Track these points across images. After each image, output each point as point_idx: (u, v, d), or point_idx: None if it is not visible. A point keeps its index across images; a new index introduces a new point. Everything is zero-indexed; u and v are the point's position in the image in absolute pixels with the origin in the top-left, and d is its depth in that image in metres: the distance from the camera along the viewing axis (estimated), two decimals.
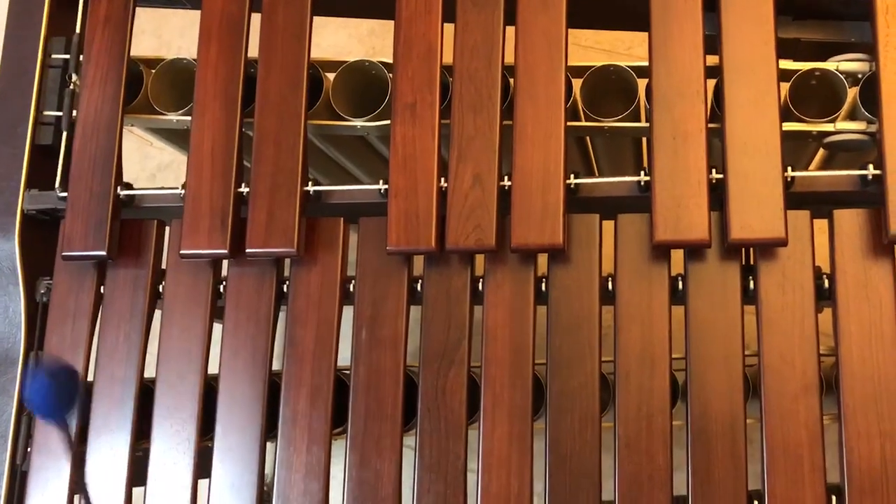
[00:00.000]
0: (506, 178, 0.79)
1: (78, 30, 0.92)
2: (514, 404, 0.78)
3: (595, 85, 0.85)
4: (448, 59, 0.82)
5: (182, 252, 0.84)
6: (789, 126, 0.78)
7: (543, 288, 0.80)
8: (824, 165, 0.95)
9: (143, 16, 1.76)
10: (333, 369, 0.82)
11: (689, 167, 0.74)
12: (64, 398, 0.60)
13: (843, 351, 0.72)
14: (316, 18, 0.86)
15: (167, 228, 0.89)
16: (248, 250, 0.82)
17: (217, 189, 0.84)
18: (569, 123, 0.80)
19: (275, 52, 0.86)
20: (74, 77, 0.91)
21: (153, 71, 0.93)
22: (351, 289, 0.83)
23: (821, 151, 0.95)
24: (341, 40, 1.65)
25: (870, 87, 0.74)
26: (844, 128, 0.77)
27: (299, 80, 0.85)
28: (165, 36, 1.77)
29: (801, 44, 0.83)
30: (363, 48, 1.65)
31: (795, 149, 0.88)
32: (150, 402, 0.84)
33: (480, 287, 0.81)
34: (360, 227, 0.84)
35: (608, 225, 0.80)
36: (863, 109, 0.76)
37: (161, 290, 0.87)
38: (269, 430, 0.83)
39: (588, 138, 0.97)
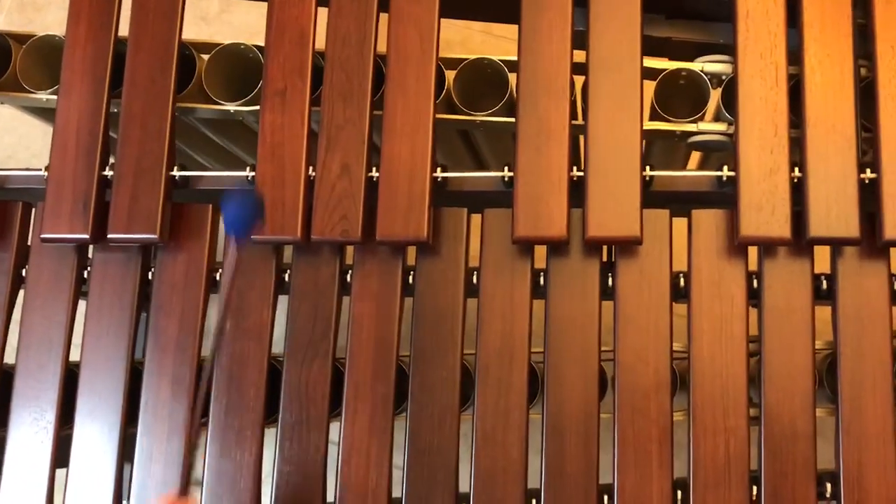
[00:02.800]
0: (374, 168, 0.78)
1: None
2: (376, 396, 0.77)
3: (472, 78, 0.84)
4: (322, 44, 0.81)
5: (43, 236, 0.81)
6: (653, 125, 0.79)
7: (412, 280, 0.80)
8: (701, 165, 0.97)
9: None
10: (197, 359, 0.80)
11: (552, 164, 0.74)
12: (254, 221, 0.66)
13: (694, 349, 0.74)
14: None
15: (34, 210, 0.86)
16: (109, 235, 0.80)
17: (81, 172, 0.81)
18: (438, 116, 0.80)
19: (145, 32, 0.83)
20: None
21: (23, 47, 0.90)
22: (217, 277, 0.82)
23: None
24: (253, 19, 1.61)
25: (730, 89, 0.75)
26: (706, 129, 0.78)
27: (169, 61, 0.82)
28: None
29: (676, 43, 0.84)
30: None
31: (669, 148, 0.89)
32: (8, 390, 0.82)
33: (349, 278, 0.80)
34: None
35: (479, 219, 0.80)
36: (724, 111, 0.77)
37: (24, 274, 0.84)
38: (133, 420, 0.81)
39: (471, 132, 0.97)
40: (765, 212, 0.71)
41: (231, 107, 0.86)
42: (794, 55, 0.74)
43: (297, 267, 0.81)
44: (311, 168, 0.78)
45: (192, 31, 1.65)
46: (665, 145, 0.88)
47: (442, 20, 0.80)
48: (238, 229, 0.65)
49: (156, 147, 0.81)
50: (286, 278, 0.81)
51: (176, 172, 0.81)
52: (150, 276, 0.83)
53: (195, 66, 0.88)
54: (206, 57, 0.87)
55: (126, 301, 0.82)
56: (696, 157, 0.97)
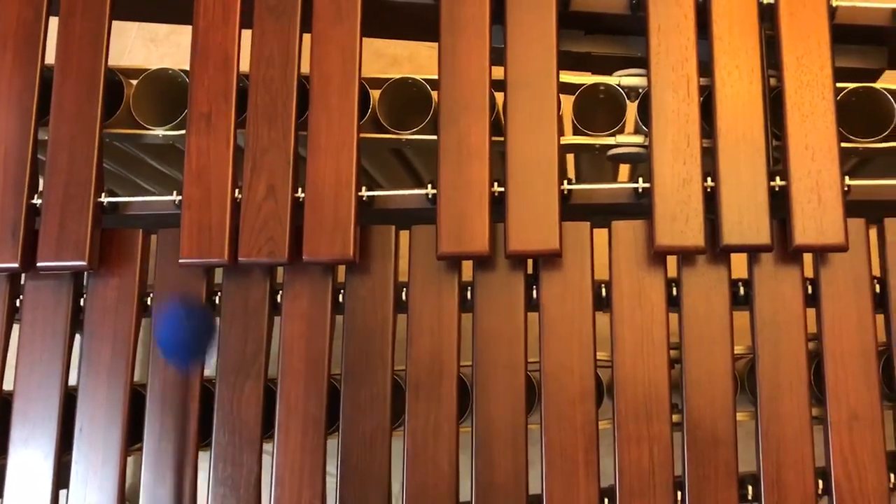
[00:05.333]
0: (301, 189, 0.79)
1: None
2: (307, 416, 0.78)
3: (397, 97, 0.85)
4: (247, 67, 0.82)
5: None
6: (572, 139, 0.80)
7: (342, 298, 0.80)
8: (632, 177, 0.98)
9: None
10: (129, 384, 0.80)
11: (473, 181, 0.76)
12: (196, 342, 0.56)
13: (617, 357, 0.75)
14: None
15: None
16: (39, 263, 0.80)
17: (8, 200, 0.81)
18: (363, 135, 0.80)
19: (71, 59, 0.84)
20: None
21: None
22: (149, 302, 0.82)
23: None
24: None
25: (645, 102, 0.77)
26: (624, 141, 0.79)
27: (96, 88, 0.83)
28: None
29: (599, 57, 0.85)
30: None
31: (596, 161, 0.90)
32: None
33: (280, 298, 0.81)
34: (158, 238, 0.83)
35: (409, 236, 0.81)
36: (641, 124, 0.79)
37: None
38: (68, 446, 0.81)
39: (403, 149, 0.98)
40: (679, 221, 0.73)
41: (159, 131, 0.86)
42: (706, 67, 0.76)
43: (226, 289, 0.81)
44: (237, 190, 0.79)
45: (142, 53, 1.68)
46: (593, 159, 0.90)
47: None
48: (178, 352, 0.55)
49: (83, 174, 0.81)
50: (217, 301, 0.82)
51: (104, 198, 0.81)
52: (82, 303, 0.83)
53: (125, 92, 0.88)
54: (134, 82, 0.88)
55: (59, 328, 0.82)
56: (626, 169, 0.99)
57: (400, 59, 1.59)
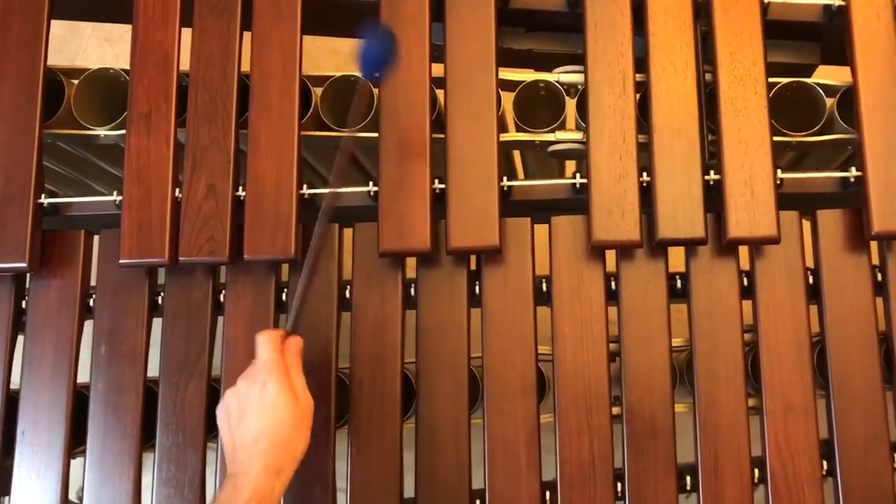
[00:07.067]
0: (242, 188, 0.79)
1: None
2: None
3: (340, 95, 0.85)
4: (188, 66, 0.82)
5: None
6: (512, 136, 0.81)
7: (285, 297, 0.80)
8: None
9: None
10: (73, 386, 0.80)
11: (413, 178, 0.76)
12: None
13: (557, 351, 0.75)
14: None
15: None
16: None
17: None
18: (305, 133, 0.80)
19: (9, 60, 0.83)
20: None
21: None
22: (91, 303, 0.81)
23: None
24: None
25: (583, 99, 0.77)
26: (563, 138, 0.80)
27: (34, 89, 0.82)
28: None
29: (541, 54, 0.86)
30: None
31: (542, 157, 0.90)
32: None
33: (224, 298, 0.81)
34: (100, 239, 0.82)
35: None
36: (580, 120, 0.80)
37: None
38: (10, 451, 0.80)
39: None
40: (615, 216, 0.73)
41: (101, 131, 0.85)
42: (642, 63, 0.77)
43: (169, 289, 0.81)
44: (178, 190, 0.79)
45: (97, 52, 1.66)
46: (539, 155, 0.90)
47: None
48: (373, 69, 0.67)
49: (23, 175, 0.80)
50: (160, 301, 0.81)
51: (44, 200, 0.81)
52: (24, 305, 0.82)
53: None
54: (76, 82, 0.87)
55: (0, 330, 0.81)
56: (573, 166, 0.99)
57: None
